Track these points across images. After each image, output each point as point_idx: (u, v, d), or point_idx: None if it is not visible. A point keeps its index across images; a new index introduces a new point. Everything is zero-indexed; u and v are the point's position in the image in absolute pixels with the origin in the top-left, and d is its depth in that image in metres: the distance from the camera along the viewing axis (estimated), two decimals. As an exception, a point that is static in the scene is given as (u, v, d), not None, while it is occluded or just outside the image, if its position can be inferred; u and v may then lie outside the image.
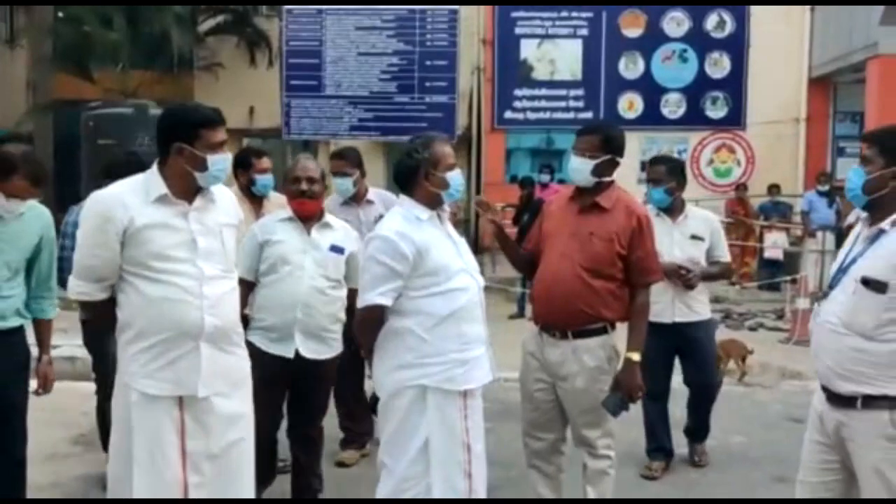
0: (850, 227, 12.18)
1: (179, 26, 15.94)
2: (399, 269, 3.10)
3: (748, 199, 13.50)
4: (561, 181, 15.22)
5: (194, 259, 2.93)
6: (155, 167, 2.99)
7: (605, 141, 3.65)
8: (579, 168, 3.64)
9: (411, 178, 3.23)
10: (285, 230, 3.94)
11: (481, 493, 3.24)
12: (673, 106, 14.72)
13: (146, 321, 2.91)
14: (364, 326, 3.25)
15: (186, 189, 2.95)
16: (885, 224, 2.82)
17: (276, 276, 3.86)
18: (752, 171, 14.69)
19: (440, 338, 3.13)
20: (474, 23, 16.02)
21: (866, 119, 14.06)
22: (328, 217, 4.07)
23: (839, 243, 12.75)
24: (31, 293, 3.65)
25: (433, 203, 3.24)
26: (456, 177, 3.26)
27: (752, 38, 14.11)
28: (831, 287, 2.95)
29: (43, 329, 3.79)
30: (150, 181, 2.96)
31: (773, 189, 13.41)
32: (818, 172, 13.40)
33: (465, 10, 14.35)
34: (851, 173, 2.92)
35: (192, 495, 2.91)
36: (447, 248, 3.23)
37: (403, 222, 3.17)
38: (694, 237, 4.75)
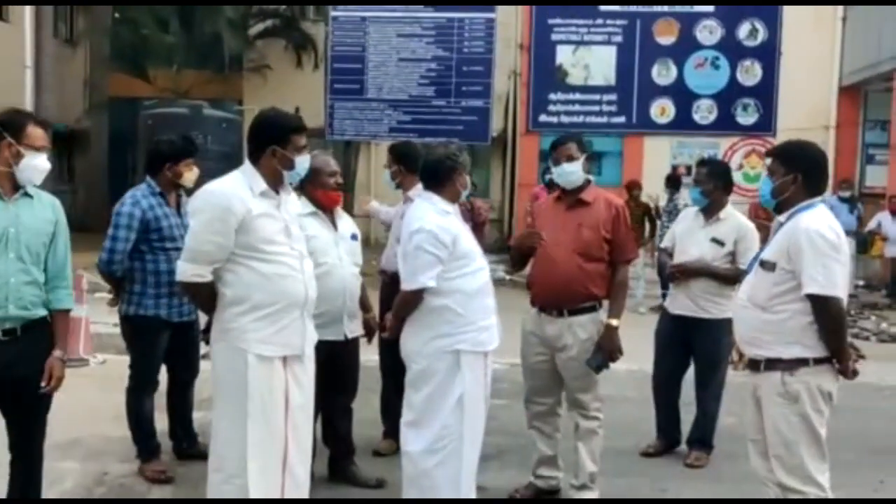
0: (872, 232, 12.54)
1: (231, 29, 16.74)
2: (442, 256, 3.70)
3: (770, 203, 13.86)
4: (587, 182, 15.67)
5: (291, 242, 3.46)
6: (250, 166, 3.44)
7: (580, 145, 4.36)
8: (572, 170, 4.31)
9: (447, 178, 3.86)
10: (315, 225, 4.20)
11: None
12: (704, 112, 14.82)
13: (263, 294, 3.36)
14: (409, 305, 3.78)
15: (275, 184, 3.46)
16: (782, 217, 3.45)
17: (321, 270, 4.01)
18: (780, 177, 15.00)
19: (471, 310, 3.74)
20: (512, 28, 16.53)
21: (892, 127, 14.36)
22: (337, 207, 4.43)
23: (860, 249, 13.12)
24: (47, 283, 3.45)
25: (456, 199, 3.90)
26: (468, 180, 3.92)
27: (783, 47, 14.33)
28: (747, 273, 3.62)
29: (60, 321, 3.51)
30: (251, 178, 3.41)
31: (797, 194, 13.71)
32: (840, 179, 13.70)
33: (502, 16, 14.81)
34: (762, 184, 3.56)
35: (290, 447, 3.42)
36: (468, 235, 3.87)
37: (438, 216, 3.77)
38: (714, 240, 5.01)
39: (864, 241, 13.07)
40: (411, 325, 3.82)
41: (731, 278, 4.94)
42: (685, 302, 5.10)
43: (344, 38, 13.66)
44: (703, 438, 5.18)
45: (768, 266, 3.40)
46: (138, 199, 4.49)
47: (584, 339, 4.22)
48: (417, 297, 3.74)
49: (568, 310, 4.23)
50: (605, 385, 5.03)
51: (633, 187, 11.73)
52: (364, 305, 4.58)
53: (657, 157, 16.09)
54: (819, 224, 3.34)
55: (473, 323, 3.74)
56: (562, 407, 4.43)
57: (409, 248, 3.76)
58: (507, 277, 11.90)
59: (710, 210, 5.09)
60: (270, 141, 3.43)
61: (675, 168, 15.69)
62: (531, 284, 4.46)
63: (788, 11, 14.27)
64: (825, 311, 3.31)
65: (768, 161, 3.59)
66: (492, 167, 18.56)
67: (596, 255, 4.24)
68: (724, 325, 4.92)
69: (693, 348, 5.16)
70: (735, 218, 5.10)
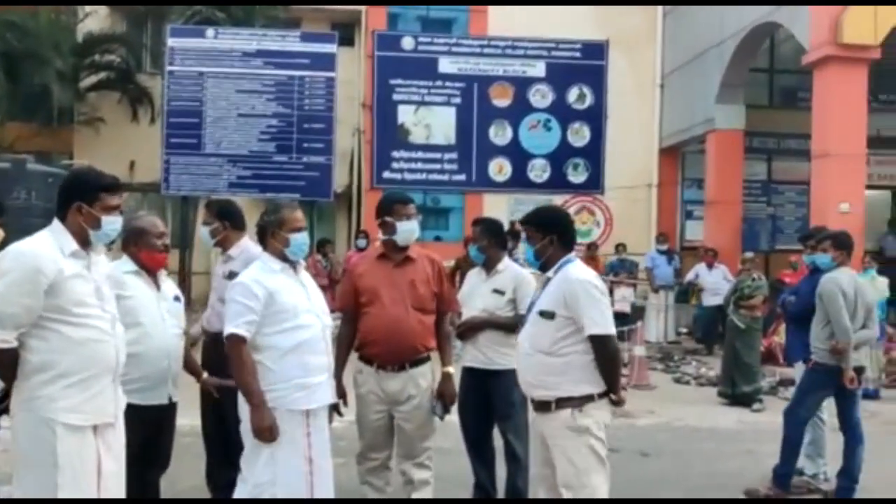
0: (690, 283, 13.40)
1: (61, 82, 16.09)
2: (252, 306, 3.76)
3: (599, 256, 14.64)
4: (437, 238, 16.05)
5: (102, 304, 3.34)
6: (59, 224, 3.31)
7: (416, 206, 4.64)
8: (413, 229, 4.54)
9: (262, 235, 3.98)
10: (136, 283, 4.06)
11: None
12: (538, 171, 15.40)
13: (72, 360, 3.22)
14: (232, 356, 3.75)
15: (84, 244, 3.32)
16: (550, 273, 3.92)
17: (141, 330, 3.96)
18: (609, 232, 15.83)
19: (285, 367, 3.76)
20: (355, 87, 16.81)
21: (706, 185, 15.58)
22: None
23: (680, 298, 14.05)
24: None
25: (282, 256, 3.91)
26: (298, 237, 3.92)
27: (609, 111, 15.24)
28: (522, 325, 4.01)
29: None
30: (60, 237, 3.29)
31: (620, 247, 14.77)
32: (658, 233, 14.62)
33: (346, 75, 15.05)
34: (526, 248, 4.06)
35: None
36: (297, 292, 3.90)
37: (260, 272, 3.87)
38: (495, 291, 5.15)
39: (685, 292, 14.01)
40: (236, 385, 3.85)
41: (512, 326, 5.08)
42: (475, 354, 5.19)
43: (180, 93, 13.48)
44: (515, 489, 5.10)
45: (547, 315, 3.82)
46: None
47: (425, 387, 4.48)
48: (235, 345, 3.75)
49: (409, 363, 4.42)
50: (442, 437, 5.12)
51: (470, 242, 12.07)
52: (194, 369, 4.45)
53: (496, 213, 16.42)
54: (587, 275, 3.88)
55: (287, 380, 3.76)
56: (392, 461, 4.53)
57: (227, 301, 3.90)
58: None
59: (489, 264, 5.27)
60: (76, 197, 3.32)
61: (512, 223, 16.24)
62: (369, 344, 4.49)
63: (612, 78, 15.21)
64: (605, 348, 3.79)
65: (524, 230, 4.07)
66: (337, 223, 18.61)
67: (429, 309, 4.51)
68: (514, 375, 5.06)
69: (489, 399, 5.20)
70: (512, 269, 5.27)
